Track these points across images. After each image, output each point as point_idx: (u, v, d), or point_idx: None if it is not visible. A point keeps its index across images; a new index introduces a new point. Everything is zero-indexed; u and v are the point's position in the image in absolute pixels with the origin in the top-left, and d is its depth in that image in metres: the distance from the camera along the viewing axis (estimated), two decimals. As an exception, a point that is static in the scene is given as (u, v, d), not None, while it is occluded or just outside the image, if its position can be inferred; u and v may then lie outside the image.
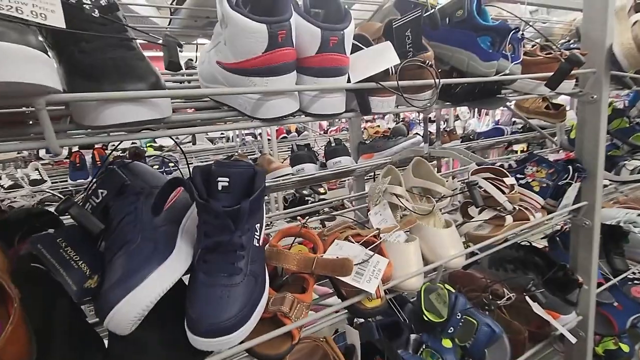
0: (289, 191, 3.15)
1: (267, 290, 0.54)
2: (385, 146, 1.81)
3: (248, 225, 0.51)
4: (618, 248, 1.29)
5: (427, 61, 0.56)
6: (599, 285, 1.11)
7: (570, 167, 0.89)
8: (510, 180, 0.83)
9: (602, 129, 0.90)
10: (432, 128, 2.85)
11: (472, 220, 0.80)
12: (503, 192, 0.83)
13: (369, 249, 0.61)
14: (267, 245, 0.61)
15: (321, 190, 3.27)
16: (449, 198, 0.80)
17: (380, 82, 0.53)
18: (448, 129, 2.09)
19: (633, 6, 0.91)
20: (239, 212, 0.48)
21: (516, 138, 2.13)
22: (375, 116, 5.67)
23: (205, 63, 0.53)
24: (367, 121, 5.80)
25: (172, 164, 2.28)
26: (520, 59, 0.72)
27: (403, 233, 0.75)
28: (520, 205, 0.85)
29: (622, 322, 1.16)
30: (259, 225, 0.54)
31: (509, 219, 0.80)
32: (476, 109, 4.92)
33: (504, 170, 0.87)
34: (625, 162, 1.15)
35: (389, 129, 3.37)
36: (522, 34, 0.71)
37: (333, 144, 1.55)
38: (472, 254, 0.87)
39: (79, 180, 2.08)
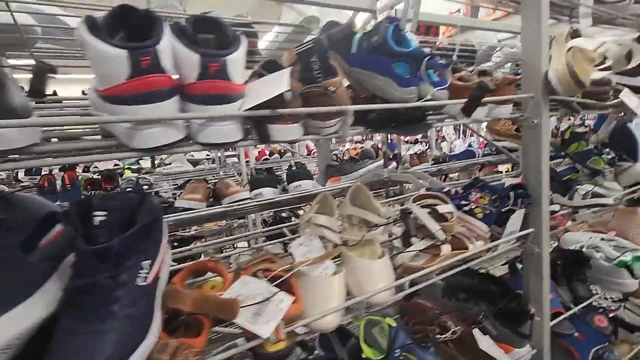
0: (270, 213, 3.09)
1: (156, 335, 0.49)
2: (352, 169, 1.79)
3: (130, 262, 0.47)
4: (580, 274, 1.26)
5: (332, 87, 0.53)
6: (558, 314, 1.06)
7: (512, 193, 0.86)
8: (446, 207, 0.80)
9: (544, 153, 0.88)
10: (417, 148, 2.85)
11: (406, 250, 0.77)
12: (446, 219, 0.81)
13: (278, 284, 0.57)
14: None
15: (300, 212, 3.23)
16: (383, 227, 0.77)
17: (277, 110, 0.50)
18: (419, 152, 2.09)
19: (570, 33, 0.92)
20: (108, 251, 0.43)
21: (488, 160, 2.13)
22: (364, 137, 5.67)
23: (90, 89, 0.50)
24: (356, 142, 5.80)
25: (147, 186, 2.23)
26: (447, 84, 0.70)
27: (332, 265, 0.71)
28: (461, 233, 0.82)
29: (585, 354, 1.11)
30: (148, 262, 0.50)
31: (445, 248, 0.76)
32: (461, 130, 4.96)
33: (442, 197, 0.85)
34: (578, 186, 1.13)
35: (379, 149, 3.35)
36: (454, 60, 0.70)
37: (294, 167, 1.52)
38: (412, 284, 0.83)
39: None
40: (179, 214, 1.32)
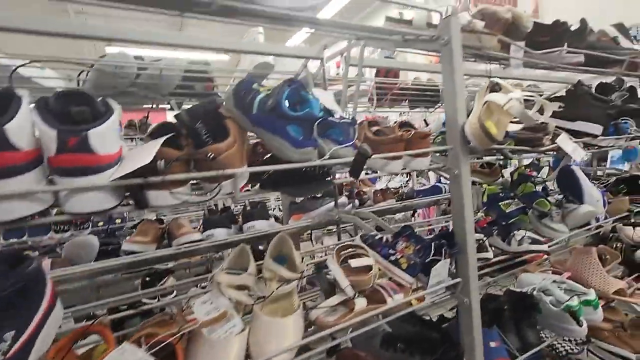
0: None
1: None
2: (313, 206, 1.79)
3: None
4: (529, 318, 1.24)
5: (211, 154, 0.55)
6: (501, 364, 1.03)
7: (434, 243, 0.86)
8: (365, 260, 0.80)
9: (467, 203, 0.89)
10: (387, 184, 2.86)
11: (319, 306, 0.75)
12: (369, 269, 0.80)
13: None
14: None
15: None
16: (295, 282, 0.76)
17: (150, 179, 0.51)
18: (383, 188, 2.10)
19: (489, 86, 0.96)
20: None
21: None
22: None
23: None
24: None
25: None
26: (351, 142, 0.72)
27: (240, 323, 0.70)
28: (382, 286, 0.81)
29: (533, 406, 1.07)
30: (12, 333, 0.49)
31: (360, 303, 0.75)
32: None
33: (365, 249, 0.84)
34: (515, 231, 1.13)
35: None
36: (353, 119, 0.73)
37: (248, 207, 1.52)
38: (333, 338, 0.81)
39: (12, 240, 1.98)
40: (124, 257, 1.30)
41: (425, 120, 2.23)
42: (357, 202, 1.97)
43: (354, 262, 0.77)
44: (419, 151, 0.80)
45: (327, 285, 0.75)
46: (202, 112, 0.56)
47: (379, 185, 2.81)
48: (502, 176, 1.81)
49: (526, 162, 2.15)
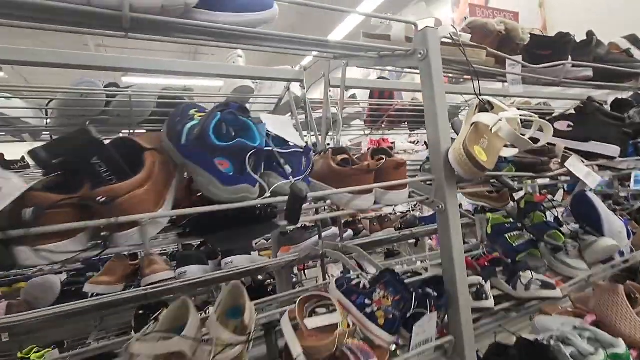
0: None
1: None
2: (301, 238, 1.67)
3: None
4: (545, 374, 1.04)
5: (102, 197, 0.43)
6: None
7: (416, 292, 0.71)
8: (328, 318, 0.66)
9: (456, 244, 0.74)
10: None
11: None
12: (334, 328, 0.66)
13: None
14: None
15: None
16: (238, 346, 0.62)
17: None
18: (379, 215, 1.95)
19: (478, 105, 0.83)
20: None
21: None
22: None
23: None
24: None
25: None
26: (304, 175, 0.60)
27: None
28: (351, 349, 0.66)
29: None
30: None
31: (320, 373, 0.61)
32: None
33: (335, 300, 0.70)
34: (521, 272, 0.96)
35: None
36: (307, 147, 0.61)
37: (227, 241, 1.40)
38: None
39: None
40: (88, 300, 1.19)
41: (426, 143, 2.10)
42: (350, 232, 1.83)
43: (311, 322, 0.63)
44: (387, 184, 0.67)
45: (280, 350, 0.61)
46: (92, 145, 0.45)
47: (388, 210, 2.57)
48: (513, 201, 1.64)
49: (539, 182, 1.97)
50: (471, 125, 0.76)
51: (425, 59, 0.75)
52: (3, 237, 0.39)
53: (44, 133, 1.26)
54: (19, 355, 1.50)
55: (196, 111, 0.62)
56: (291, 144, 0.62)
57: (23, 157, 1.57)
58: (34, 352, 1.50)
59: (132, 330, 1.27)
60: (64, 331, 1.47)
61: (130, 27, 0.51)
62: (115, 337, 1.31)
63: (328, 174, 0.70)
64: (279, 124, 0.66)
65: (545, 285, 0.92)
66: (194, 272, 1.29)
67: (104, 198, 0.43)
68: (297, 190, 0.50)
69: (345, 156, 0.73)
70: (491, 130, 0.71)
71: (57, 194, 0.43)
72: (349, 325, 0.69)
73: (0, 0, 0.44)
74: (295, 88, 1.30)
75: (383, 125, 1.95)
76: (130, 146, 0.53)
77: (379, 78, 1.89)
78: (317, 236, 1.57)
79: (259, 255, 1.65)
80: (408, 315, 0.72)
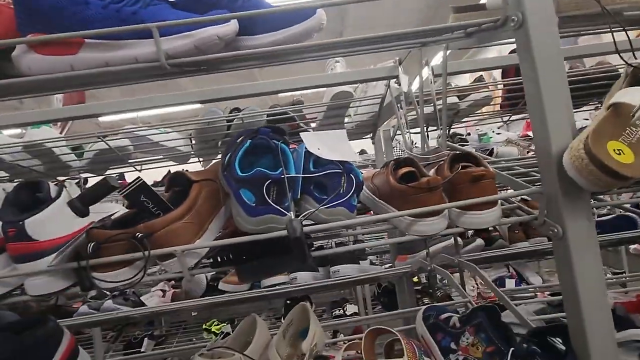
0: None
1: None
2: (419, 246, 1.52)
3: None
4: None
5: (138, 234, 0.49)
6: None
7: (517, 347, 0.52)
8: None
9: (584, 283, 0.51)
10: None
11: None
12: None
13: None
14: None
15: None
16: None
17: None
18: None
19: (629, 75, 0.55)
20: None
21: None
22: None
23: None
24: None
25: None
26: (345, 198, 0.52)
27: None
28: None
29: None
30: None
31: None
32: None
33: (406, 342, 0.59)
34: None
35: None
36: (348, 165, 0.54)
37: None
38: None
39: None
40: (223, 295, 1.40)
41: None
42: (480, 241, 1.53)
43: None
44: (460, 203, 0.51)
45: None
46: (138, 187, 0.51)
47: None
48: None
49: None
50: (608, 108, 0.51)
51: (522, 26, 0.55)
52: (78, 266, 0.49)
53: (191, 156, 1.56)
54: (203, 326, 2.01)
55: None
56: (335, 164, 0.55)
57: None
58: (215, 325, 1.97)
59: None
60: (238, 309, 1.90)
61: (171, 72, 0.56)
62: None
63: (390, 193, 0.59)
64: (328, 140, 0.60)
65: None
66: (304, 278, 1.36)
67: (140, 234, 0.48)
68: (290, 230, 0.44)
69: (410, 169, 0.60)
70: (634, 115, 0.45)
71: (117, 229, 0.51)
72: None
73: (83, 74, 0.54)
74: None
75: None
76: (181, 179, 0.58)
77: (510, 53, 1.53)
78: (439, 244, 1.41)
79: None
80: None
